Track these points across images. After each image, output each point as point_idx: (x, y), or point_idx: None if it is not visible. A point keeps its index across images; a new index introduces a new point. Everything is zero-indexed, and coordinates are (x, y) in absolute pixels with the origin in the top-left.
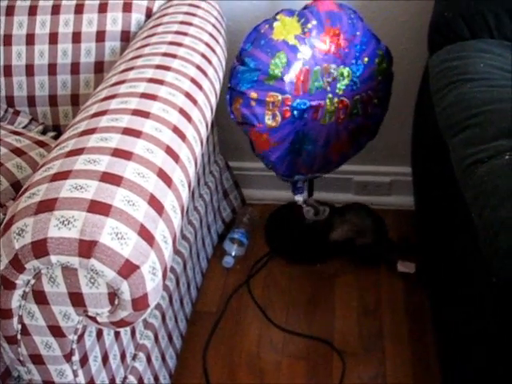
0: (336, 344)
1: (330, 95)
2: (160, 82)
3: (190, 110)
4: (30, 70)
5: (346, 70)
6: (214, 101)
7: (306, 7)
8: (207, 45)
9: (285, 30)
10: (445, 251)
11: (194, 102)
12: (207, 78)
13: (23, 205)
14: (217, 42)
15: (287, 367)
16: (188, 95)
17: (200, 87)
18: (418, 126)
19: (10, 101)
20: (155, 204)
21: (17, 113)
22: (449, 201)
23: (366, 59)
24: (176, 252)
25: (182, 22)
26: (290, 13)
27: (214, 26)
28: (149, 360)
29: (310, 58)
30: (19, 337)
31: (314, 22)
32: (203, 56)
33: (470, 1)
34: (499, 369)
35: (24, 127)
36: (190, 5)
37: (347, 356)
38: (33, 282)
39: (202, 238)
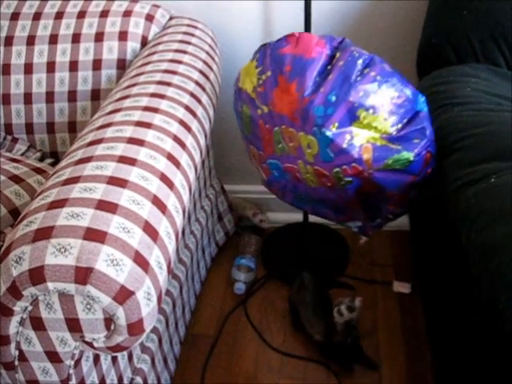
0: (332, 365)
1: (301, 162)
2: (155, 110)
3: (185, 136)
4: (28, 98)
5: (308, 139)
6: (207, 127)
7: (270, 45)
8: (201, 72)
9: (246, 77)
10: (437, 271)
11: (188, 128)
12: (201, 105)
13: (21, 232)
14: (211, 68)
15: None
16: (182, 122)
17: (194, 114)
18: None
19: (8, 128)
20: (150, 231)
21: (15, 140)
22: (439, 222)
23: (334, 125)
24: (173, 276)
25: (176, 51)
26: (255, 53)
27: (207, 53)
28: None
29: (267, 117)
30: (16, 363)
31: (269, 73)
32: (197, 83)
33: (457, 27)
34: None
35: (22, 154)
36: (185, 33)
37: (344, 377)
38: (30, 308)
39: (197, 261)
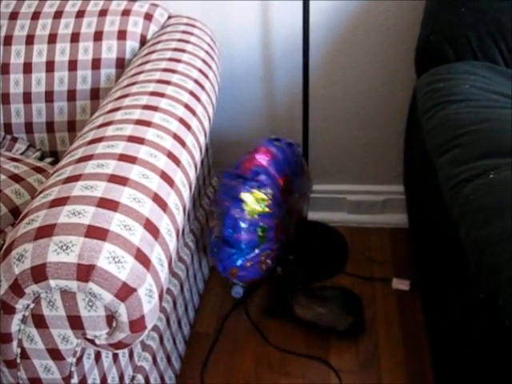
0: (332, 362)
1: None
2: (154, 108)
3: (185, 134)
4: (27, 97)
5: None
6: (207, 125)
7: (256, 172)
8: (200, 71)
9: (253, 205)
10: (436, 268)
11: (188, 127)
12: (200, 104)
13: (23, 230)
14: (210, 67)
15: None
16: (182, 121)
17: (194, 113)
18: (408, 146)
19: (7, 128)
20: (151, 228)
21: (14, 139)
22: (438, 219)
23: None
24: (173, 274)
25: (175, 49)
26: (248, 188)
27: (206, 52)
28: (147, 382)
29: (282, 213)
30: (19, 360)
31: (270, 191)
32: (196, 82)
33: (455, 25)
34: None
35: (22, 153)
36: (183, 32)
37: (344, 374)
38: (32, 306)
39: (199, 260)
